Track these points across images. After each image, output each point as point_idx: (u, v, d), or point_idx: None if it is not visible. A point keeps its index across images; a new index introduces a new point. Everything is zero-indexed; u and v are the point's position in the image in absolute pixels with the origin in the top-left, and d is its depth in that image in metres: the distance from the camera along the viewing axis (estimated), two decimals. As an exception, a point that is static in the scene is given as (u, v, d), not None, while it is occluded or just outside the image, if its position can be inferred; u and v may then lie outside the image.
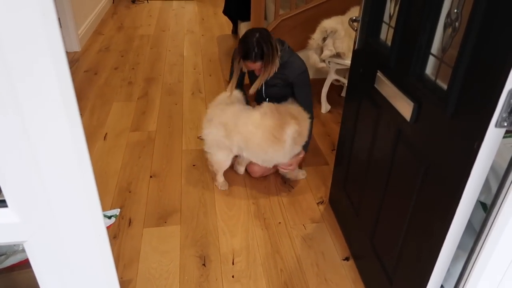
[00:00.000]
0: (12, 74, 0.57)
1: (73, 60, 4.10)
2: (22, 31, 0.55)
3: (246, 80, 2.53)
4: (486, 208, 1.33)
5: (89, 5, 5.06)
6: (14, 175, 0.66)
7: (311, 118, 2.33)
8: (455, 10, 1.09)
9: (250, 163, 2.41)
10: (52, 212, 0.72)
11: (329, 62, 3.04)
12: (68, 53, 4.23)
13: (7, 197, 0.67)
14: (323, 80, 3.17)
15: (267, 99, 2.44)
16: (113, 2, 6.18)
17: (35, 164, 0.65)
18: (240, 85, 2.46)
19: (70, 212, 0.72)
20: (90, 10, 5.07)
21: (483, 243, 1.10)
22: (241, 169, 2.49)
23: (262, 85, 2.34)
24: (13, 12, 0.53)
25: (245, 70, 2.30)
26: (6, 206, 0.68)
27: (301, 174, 2.48)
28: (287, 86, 2.33)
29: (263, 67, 2.17)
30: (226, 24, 5.00)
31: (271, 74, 2.21)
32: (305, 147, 2.42)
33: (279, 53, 2.19)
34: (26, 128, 0.62)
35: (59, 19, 4.04)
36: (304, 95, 2.31)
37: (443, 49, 1.16)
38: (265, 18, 3.33)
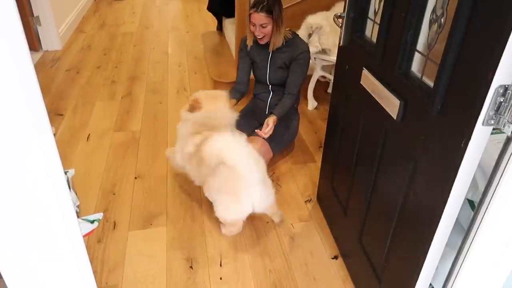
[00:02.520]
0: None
1: (54, 59, 4.00)
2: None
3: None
4: (473, 206, 1.33)
5: (70, 2, 4.95)
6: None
7: (297, 99, 2.47)
8: (441, 6, 1.07)
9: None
10: (23, 222, 0.68)
11: (314, 58, 3.02)
12: (49, 52, 4.14)
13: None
14: (309, 76, 3.15)
15: (270, 86, 2.51)
16: (95, -1, 6.06)
17: (3, 175, 0.62)
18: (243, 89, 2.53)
19: (43, 224, 0.68)
20: (71, 8, 4.96)
21: (471, 241, 1.09)
22: None
23: (266, 70, 2.44)
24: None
25: (252, 30, 2.31)
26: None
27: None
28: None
29: (274, 22, 2.25)
30: (211, 20, 4.94)
31: (279, 42, 2.32)
32: (275, 147, 2.42)
33: (283, 19, 2.29)
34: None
35: (38, 17, 3.97)
36: (299, 74, 2.39)
37: (429, 45, 1.15)
38: (250, 15, 3.30)
